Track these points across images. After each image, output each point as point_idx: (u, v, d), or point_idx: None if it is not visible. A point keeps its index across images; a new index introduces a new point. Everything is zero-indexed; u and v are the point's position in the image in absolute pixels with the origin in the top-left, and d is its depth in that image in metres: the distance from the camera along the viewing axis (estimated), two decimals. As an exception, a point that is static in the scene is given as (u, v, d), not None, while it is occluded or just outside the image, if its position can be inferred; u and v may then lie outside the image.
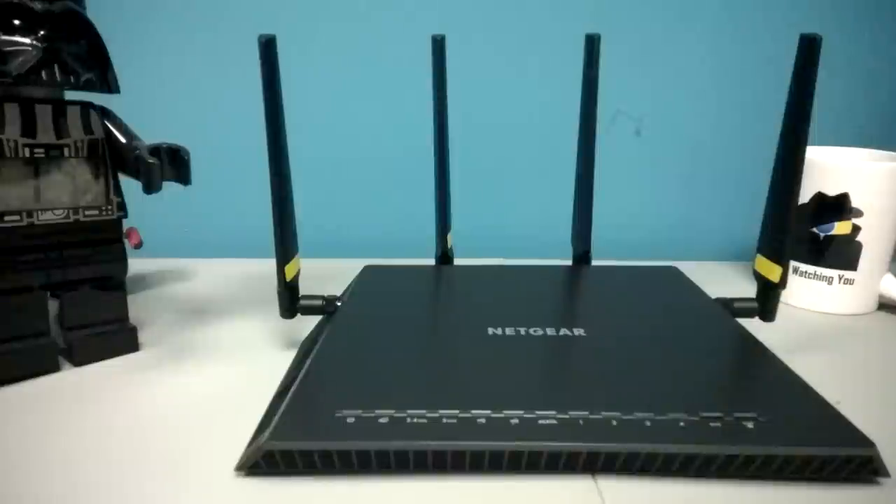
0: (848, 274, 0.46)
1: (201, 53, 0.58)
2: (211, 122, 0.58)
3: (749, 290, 0.39)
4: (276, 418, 0.27)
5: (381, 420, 0.27)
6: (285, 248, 0.36)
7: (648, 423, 0.26)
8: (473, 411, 0.27)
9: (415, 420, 0.27)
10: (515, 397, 0.28)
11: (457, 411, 0.27)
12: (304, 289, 0.39)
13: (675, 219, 0.64)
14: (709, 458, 0.26)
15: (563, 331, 0.35)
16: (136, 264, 0.43)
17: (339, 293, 0.41)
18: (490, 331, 0.35)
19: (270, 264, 0.37)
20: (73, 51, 0.34)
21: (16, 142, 0.33)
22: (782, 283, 0.36)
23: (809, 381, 0.30)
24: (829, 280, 0.47)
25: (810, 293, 0.48)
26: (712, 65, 0.60)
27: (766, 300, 0.38)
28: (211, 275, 0.53)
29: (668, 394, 0.29)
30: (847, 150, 0.51)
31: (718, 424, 0.26)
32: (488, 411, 0.27)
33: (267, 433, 0.26)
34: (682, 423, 0.26)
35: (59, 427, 0.30)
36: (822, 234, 0.47)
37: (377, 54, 0.59)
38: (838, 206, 0.46)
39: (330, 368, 0.32)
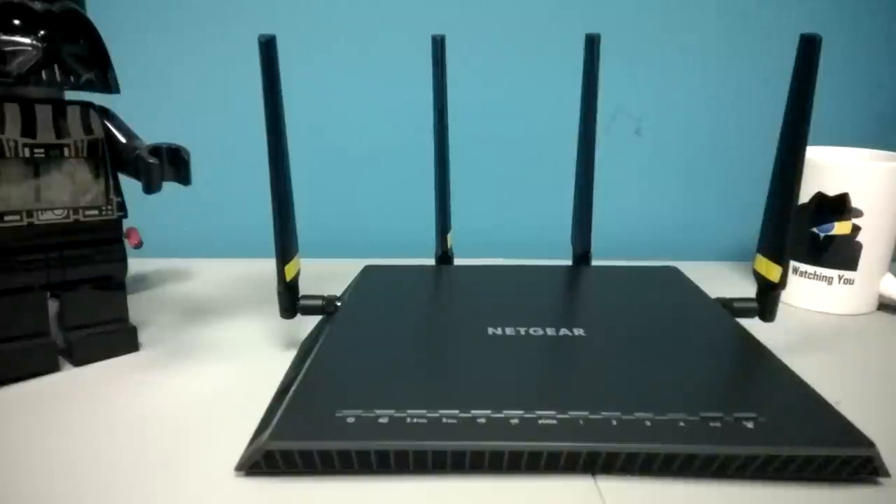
0: (848, 274, 0.46)
1: (201, 53, 0.58)
2: (211, 121, 0.58)
3: (749, 290, 0.39)
4: (276, 418, 0.27)
5: (381, 420, 0.27)
6: (285, 247, 0.36)
7: (648, 423, 0.26)
8: (473, 411, 0.27)
9: (415, 420, 0.27)
10: (515, 397, 0.28)
11: (457, 411, 0.27)
12: (304, 289, 0.39)
13: (675, 219, 0.64)
14: (709, 458, 0.26)
15: (563, 331, 0.35)
16: (136, 264, 0.43)
17: (339, 293, 0.41)
18: (490, 331, 0.35)
19: (270, 264, 0.37)
20: (73, 51, 0.34)
21: (16, 142, 0.33)
22: (782, 282, 0.36)
23: (809, 381, 0.30)
24: (829, 280, 0.47)
25: (810, 293, 0.48)
26: (712, 65, 0.60)
27: (766, 300, 0.38)
28: (211, 275, 0.53)
29: (668, 394, 0.29)
30: (847, 150, 0.51)
31: (718, 424, 0.26)
32: (488, 411, 0.27)
33: (267, 433, 0.26)
34: (682, 423, 0.26)
35: (59, 427, 0.30)
36: (822, 234, 0.47)
37: (377, 54, 0.59)
38: (838, 206, 0.46)
39: (330, 368, 0.32)
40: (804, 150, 0.35)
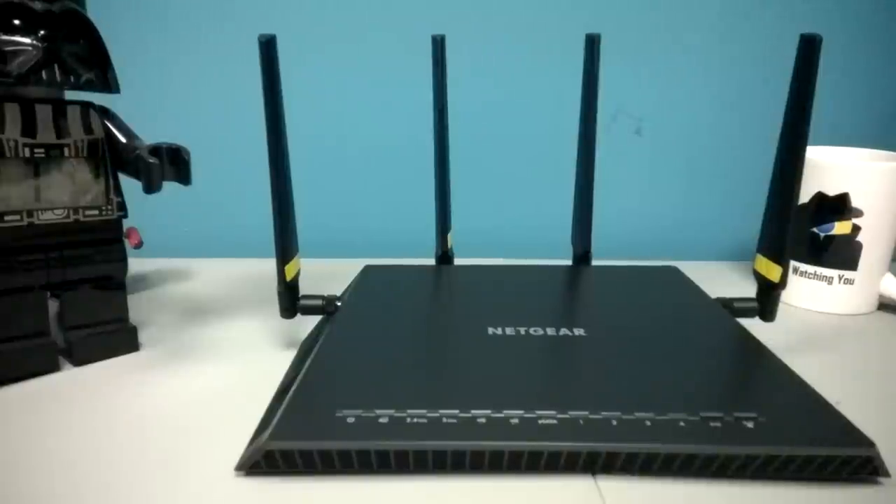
0: (848, 274, 0.46)
1: (202, 53, 0.58)
2: (211, 121, 0.58)
3: (749, 290, 0.39)
4: (277, 418, 0.27)
5: (381, 420, 0.27)
6: (285, 247, 0.36)
7: (648, 423, 0.26)
8: (473, 411, 0.27)
9: (415, 420, 0.27)
10: (515, 397, 0.28)
11: (457, 411, 0.27)
12: (304, 289, 0.39)
13: (675, 218, 0.64)
14: (709, 458, 0.26)
15: (563, 331, 0.35)
16: (136, 264, 0.43)
17: (339, 293, 0.41)
18: (490, 331, 0.35)
19: (270, 264, 0.37)
20: (73, 50, 0.34)
21: (16, 142, 0.33)
22: (782, 282, 0.36)
23: (809, 381, 0.30)
24: (829, 280, 0.47)
25: (810, 293, 0.48)
26: (712, 64, 0.60)
27: (767, 300, 0.38)
28: (211, 275, 0.53)
29: (668, 394, 0.29)
30: (847, 150, 0.51)
31: (718, 424, 0.26)
32: (488, 411, 0.27)
33: (267, 433, 0.26)
34: (682, 423, 0.26)
35: (59, 427, 0.30)
36: (822, 234, 0.47)
37: (377, 55, 0.58)
38: (838, 206, 0.46)
39: (330, 368, 0.32)
40: (804, 150, 0.35)
